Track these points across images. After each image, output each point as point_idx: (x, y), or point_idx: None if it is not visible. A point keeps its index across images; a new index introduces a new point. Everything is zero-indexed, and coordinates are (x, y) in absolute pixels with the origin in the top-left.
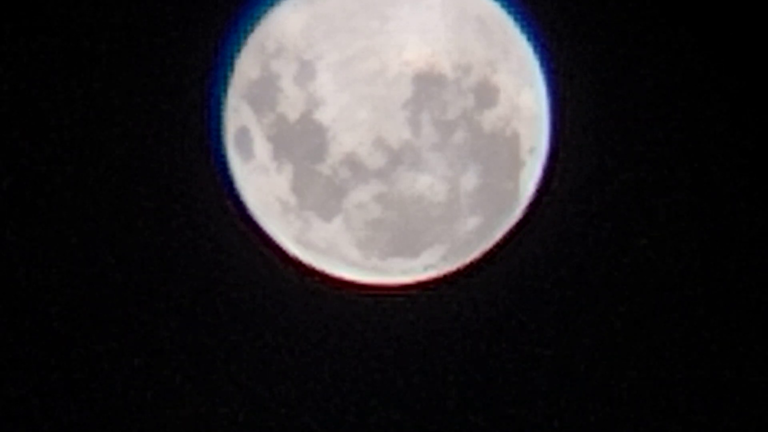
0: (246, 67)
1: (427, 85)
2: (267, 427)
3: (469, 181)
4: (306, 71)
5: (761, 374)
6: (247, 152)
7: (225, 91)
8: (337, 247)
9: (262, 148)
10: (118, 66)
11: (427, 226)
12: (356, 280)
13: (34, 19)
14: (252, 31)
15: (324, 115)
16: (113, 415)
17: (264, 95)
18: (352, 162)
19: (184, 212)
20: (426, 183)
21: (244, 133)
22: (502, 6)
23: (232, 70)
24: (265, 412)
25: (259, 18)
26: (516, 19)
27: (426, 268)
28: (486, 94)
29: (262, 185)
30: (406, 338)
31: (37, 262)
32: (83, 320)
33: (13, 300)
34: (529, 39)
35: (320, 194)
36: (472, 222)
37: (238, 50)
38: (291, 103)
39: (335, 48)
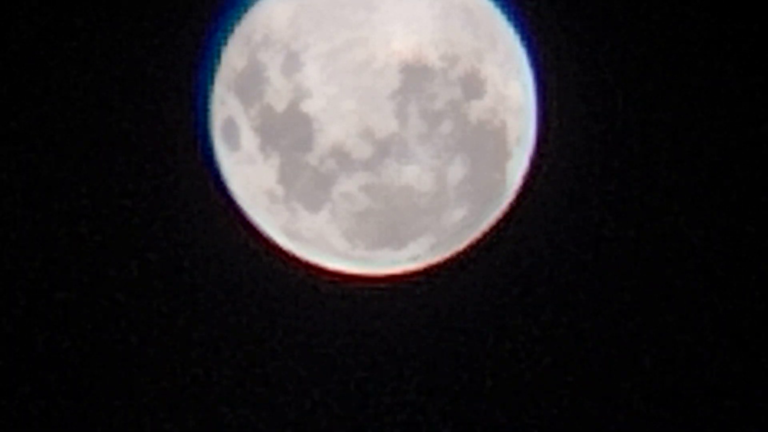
0: (233, 57)
1: (414, 75)
2: (253, 416)
3: (457, 171)
4: (293, 62)
5: (751, 360)
6: (234, 143)
7: (212, 82)
8: (324, 238)
9: (249, 138)
10: (105, 57)
11: (414, 217)
12: (343, 270)
13: (23, 13)
14: (239, 21)
15: (311, 106)
16: (98, 412)
17: (251, 86)
18: (339, 153)
19: (171, 203)
20: (413, 174)
21: (230, 124)
22: None
23: (219, 61)
24: (251, 402)
25: (245, 9)
26: (503, 10)
27: (413, 259)
28: (473, 85)
29: (249, 176)
30: (393, 329)
31: (24, 253)
32: (68, 310)
33: (3, 296)
34: (516, 30)
35: (307, 185)
36: (460, 212)
37: (225, 41)
38: (278, 94)
39: (322, 39)
